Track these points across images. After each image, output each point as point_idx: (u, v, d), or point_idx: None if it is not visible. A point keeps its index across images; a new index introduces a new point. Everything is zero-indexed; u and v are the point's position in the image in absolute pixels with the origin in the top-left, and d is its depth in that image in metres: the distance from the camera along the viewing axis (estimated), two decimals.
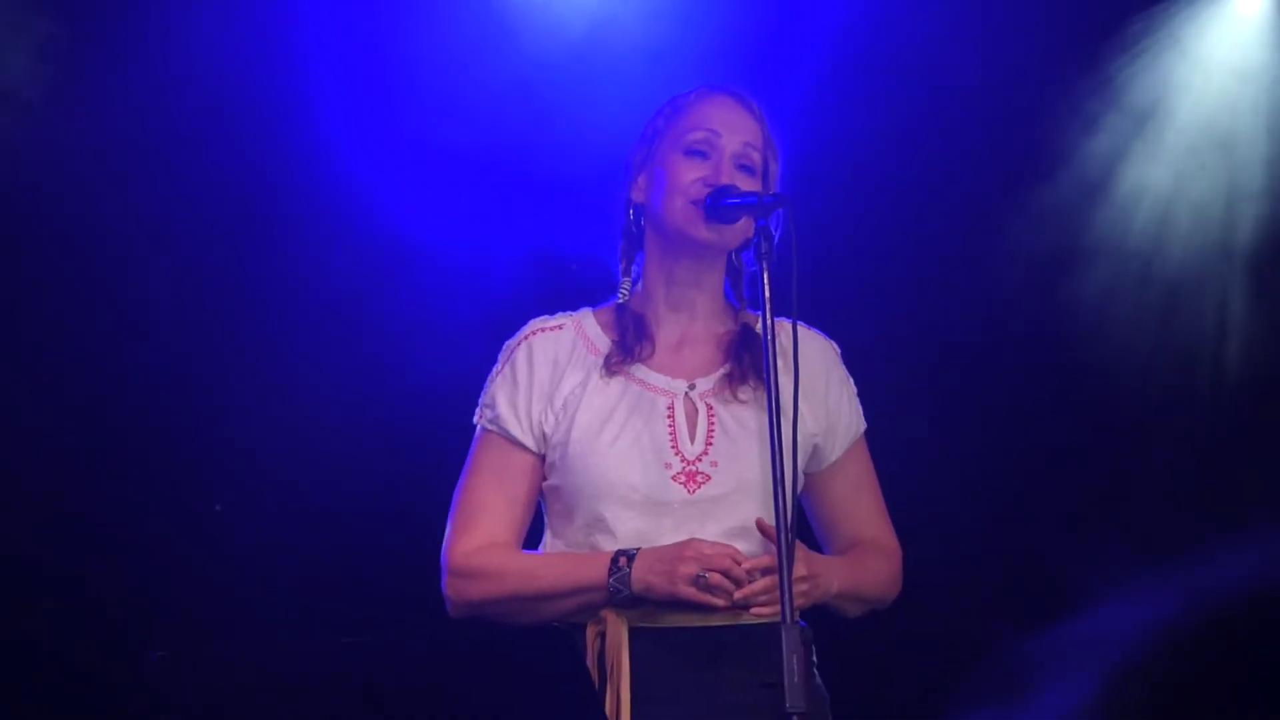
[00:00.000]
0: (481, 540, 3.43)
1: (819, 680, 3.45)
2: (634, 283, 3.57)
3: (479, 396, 3.56)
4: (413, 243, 4.99)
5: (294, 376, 4.98)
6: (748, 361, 3.48)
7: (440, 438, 4.38)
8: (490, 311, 4.71)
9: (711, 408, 3.45)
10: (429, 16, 4.98)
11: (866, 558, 3.54)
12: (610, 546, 3.36)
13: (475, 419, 3.53)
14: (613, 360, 3.48)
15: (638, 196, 3.55)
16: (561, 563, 3.39)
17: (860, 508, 3.59)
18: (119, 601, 4.80)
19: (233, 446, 4.94)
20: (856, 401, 3.62)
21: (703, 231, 3.43)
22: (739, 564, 3.28)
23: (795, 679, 3.01)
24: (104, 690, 4.66)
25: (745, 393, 3.46)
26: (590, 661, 3.33)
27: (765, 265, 3.27)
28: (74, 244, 4.89)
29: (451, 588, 3.44)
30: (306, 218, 5.01)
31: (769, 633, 3.10)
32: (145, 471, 4.91)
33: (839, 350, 3.63)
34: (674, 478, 3.39)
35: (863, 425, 3.61)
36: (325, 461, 4.94)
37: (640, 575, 3.29)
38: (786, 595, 3.08)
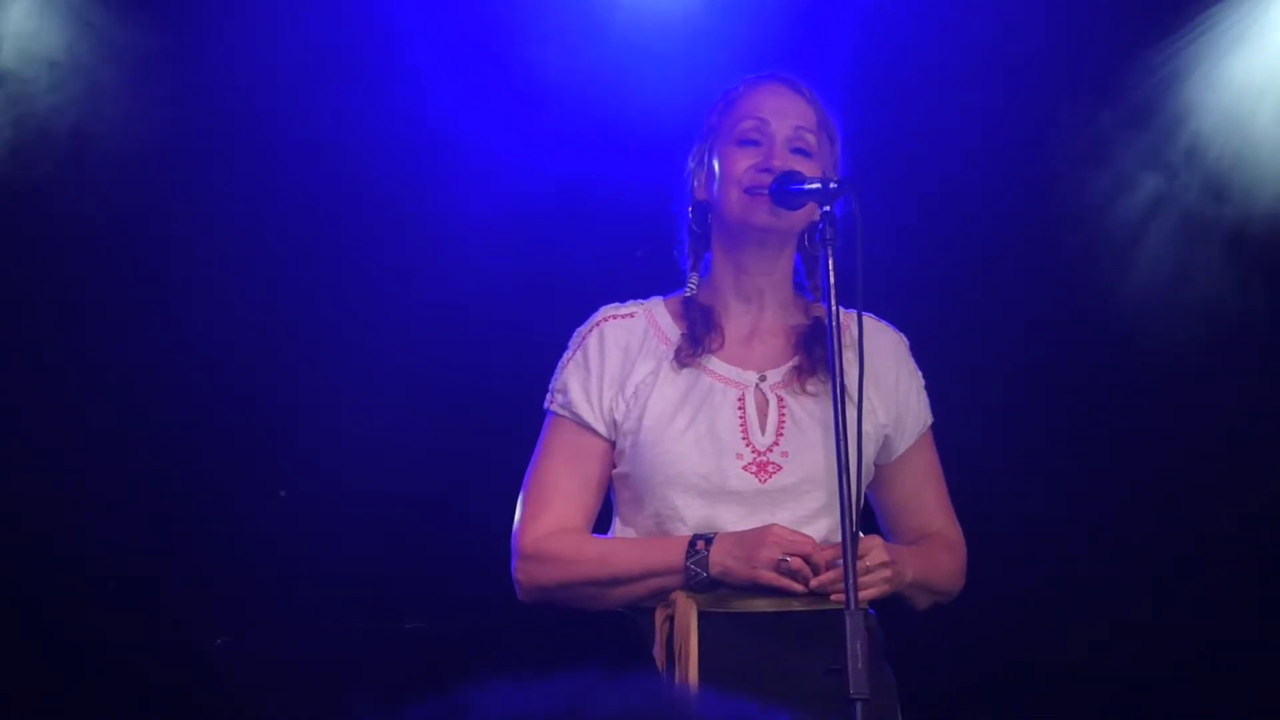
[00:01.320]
0: (553, 524, 3.43)
1: (888, 668, 3.44)
2: (701, 276, 3.56)
3: (547, 382, 3.56)
4: (482, 228, 4.99)
5: (358, 364, 5.00)
6: (818, 354, 3.47)
7: (504, 423, 4.41)
8: (554, 298, 4.73)
9: (782, 399, 3.45)
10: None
11: (935, 550, 3.54)
12: (681, 534, 3.36)
13: (546, 404, 3.53)
14: (683, 352, 3.48)
15: (700, 194, 3.55)
16: (635, 547, 3.40)
17: (927, 501, 3.59)
18: (184, 588, 4.84)
19: (297, 432, 4.97)
20: (925, 395, 3.61)
21: (762, 216, 3.42)
22: (819, 550, 3.27)
23: (859, 664, 3.00)
24: (170, 676, 4.69)
25: (814, 384, 3.46)
26: (658, 644, 3.33)
27: (830, 251, 3.26)
28: (133, 239, 4.93)
29: (523, 571, 3.43)
30: (373, 208, 5.02)
31: (836, 619, 3.09)
32: (211, 458, 4.94)
33: (908, 343, 3.62)
34: (745, 468, 3.39)
35: (930, 419, 3.61)
36: (389, 446, 4.96)
37: (719, 559, 3.29)
38: (851, 581, 3.08)
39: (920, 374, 3.62)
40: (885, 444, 3.54)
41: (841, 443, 3.16)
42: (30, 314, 4.88)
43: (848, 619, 3.05)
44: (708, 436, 3.40)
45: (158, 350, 4.92)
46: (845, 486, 3.13)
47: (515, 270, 4.98)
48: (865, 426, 3.33)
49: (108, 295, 4.93)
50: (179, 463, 4.92)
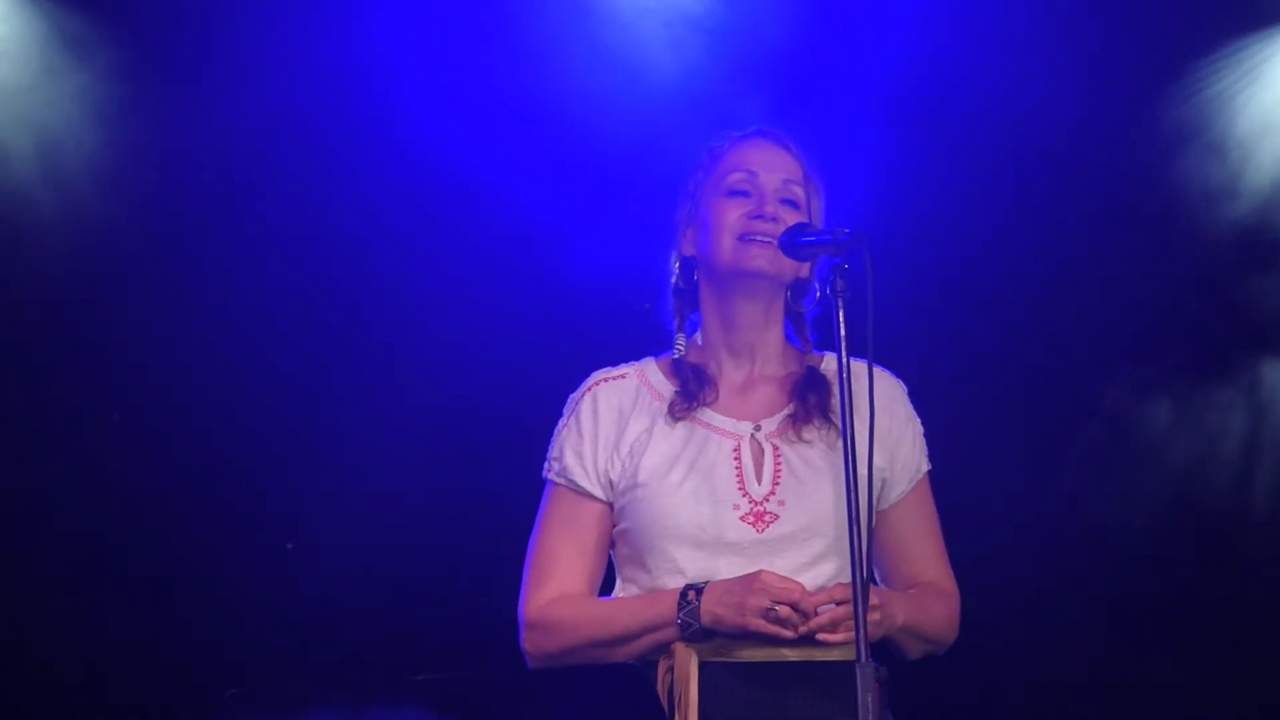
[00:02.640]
0: (555, 593, 3.46)
1: (890, 718, 3.44)
2: (688, 336, 3.58)
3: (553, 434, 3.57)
4: (489, 259, 5.01)
5: (367, 417, 5.00)
6: (813, 402, 3.48)
7: (514, 480, 4.41)
8: (569, 360, 4.74)
9: (777, 448, 3.46)
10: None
11: (928, 598, 3.53)
12: (680, 586, 3.37)
13: (544, 473, 3.56)
14: (677, 406, 3.49)
15: (688, 250, 3.57)
16: (631, 605, 3.41)
17: (922, 550, 3.58)
18: (194, 640, 4.83)
19: (304, 486, 4.97)
20: (922, 441, 3.61)
21: (757, 260, 3.44)
22: (807, 596, 3.27)
23: (870, 717, 3.00)
24: None
25: (810, 432, 3.47)
26: (660, 694, 3.34)
27: (841, 303, 3.24)
28: (151, 279, 4.94)
29: (529, 641, 3.46)
30: (394, 270, 5.04)
31: (840, 669, 3.11)
32: (218, 511, 4.94)
33: (905, 389, 3.62)
34: (742, 518, 3.40)
35: (926, 466, 3.60)
36: (397, 500, 4.96)
37: (709, 608, 3.30)
38: (862, 634, 3.08)
39: (918, 420, 3.62)
40: (882, 488, 3.53)
41: (853, 495, 3.15)
42: (23, 336, 4.88)
43: (859, 671, 3.04)
44: (704, 488, 3.41)
45: (158, 405, 4.93)
46: (856, 538, 3.13)
47: (539, 331, 4.98)
48: (862, 469, 3.31)
49: (110, 348, 4.94)
50: (188, 516, 4.92)
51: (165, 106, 4.87)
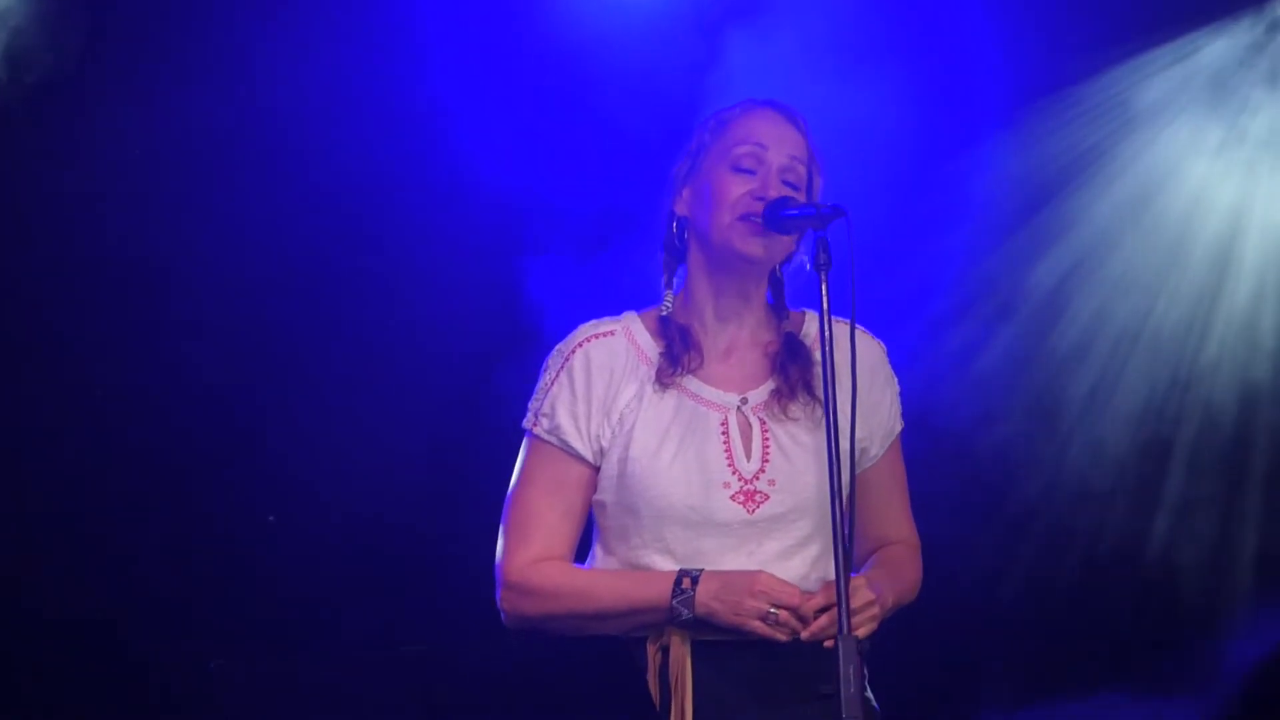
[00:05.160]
0: (537, 554, 3.41)
1: (870, 696, 3.45)
2: (676, 293, 3.56)
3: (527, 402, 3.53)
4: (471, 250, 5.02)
5: (347, 390, 5.00)
6: (795, 374, 3.47)
7: (493, 440, 4.41)
8: (531, 315, 4.75)
9: (765, 424, 3.45)
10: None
11: (902, 565, 3.55)
12: (668, 565, 3.36)
13: (527, 425, 3.49)
14: (665, 373, 3.46)
15: (681, 210, 3.53)
16: (620, 581, 3.38)
17: (891, 508, 3.59)
18: (177, 612, 4.83)
19: (285, 459, 4.97)
20: (898, 402, 3.61)
21: (752, 246, 3.42)
22: (805, 601, 3.28)
23: (851, 689, 3.02)
24: (163, 699, 4.69)
25: (796, 409, 3.45)
26: (651, 676, 3.33)
27: (824, 276, 3.26)
28: (131, 260, 4.94)
29: (507, 602, 3.42)
30: (384, 247, 5.04)
31: (861, 645, 3.14)
32: (199, 484, 4.94)
33: (885, 349, 3.63)
34: (732, 497, 3.38)
35: (900, 425, 3.61)
36: (377, 472, 4.96)
37: (704, 600, 3.29)
38: (844, 605, 3.10)
39: (896, 380, 3.61)
40: (860, 456, 3.53)
41: (835, 468, 3.17)
42: (20, 331, 4.88)
43: (840, 643, 3.06)
44: (695, 466, 3.39)
45: (147, 373, 4.92)
46: (838, 514, 3.15)
47: (502, 297, 4.98)
48: (845, 445, 3.33)
49: (93, 327, 4.93)
50: (170, 488, 4.91)
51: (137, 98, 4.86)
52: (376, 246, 5.05)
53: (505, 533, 3.45)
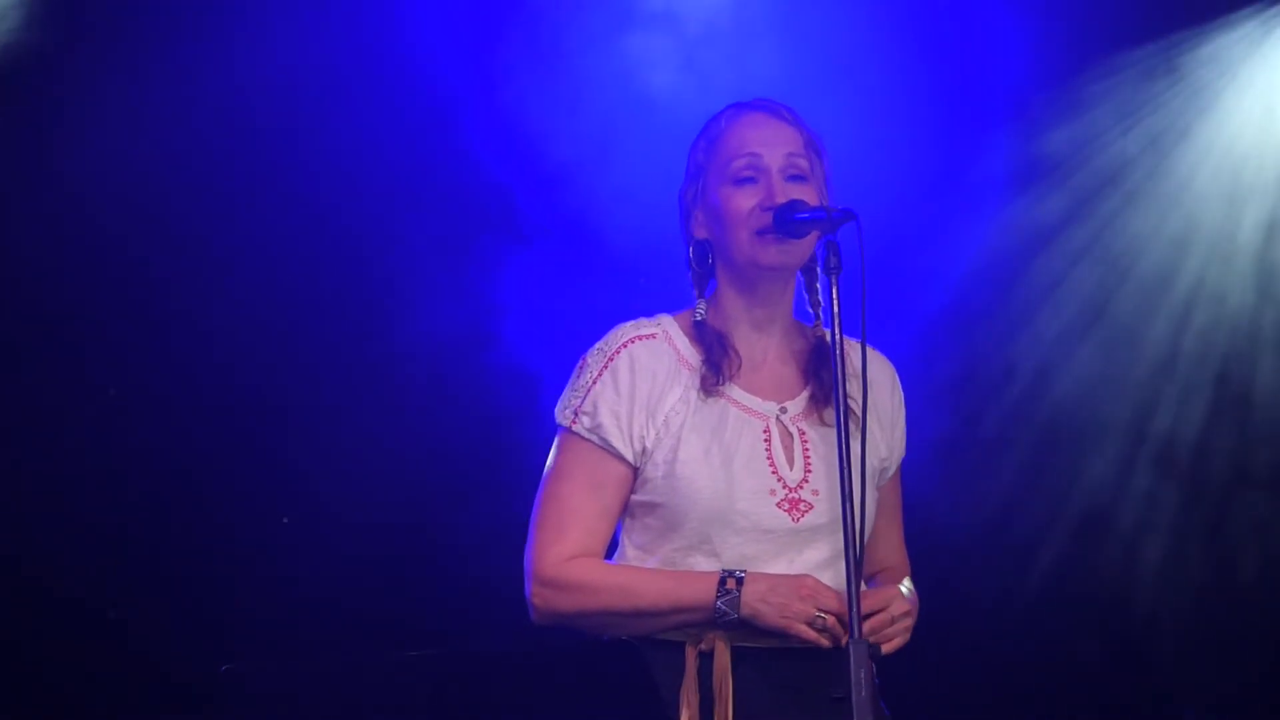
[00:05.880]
0: (574, 549, 3.38)
1: (883, 704, 3.44)
2: (708, 300, 3.55)
3: (549, 405, 3.52)
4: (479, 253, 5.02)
5: (362, 392, 5.00)
6: (827, 380, 3.46)
7: (507, 446, 4.41)
8: (546, 327, 4.75)
9: (804, 433, 3.45)
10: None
11: (909, 588, 3.55)
12: (711, 568, 3.36)
13: (565, 422, 3.45)
14: (708, 380, 3.44)
15: (700, 233, 3.52)
16: (662, 580, 3.36)
17: (891, 533, 3.62)
18: (189, 614, 4.84)
19: (301, 460, 4.97)
20: (905, 426, 3.63)
21: (773, 256, 3.42)
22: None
23: (863, 693, 3.02)
24: (175, 701, 4.69)
25: (831, 416, 3.42)
26: (688, 678, 3.32)
27: (834, 280, 3.26)
28: (140, 262, 4.94)
29: (540, 597, 3.38)
30: (380, 261, 5.04)
31: (873, 650, 3.16)
32: (215, 486, 4.94)
33: (897, 372, 3.63)
34: (778, 505, 3.38)
35: (904, 451, 3.63)
36: (392, 475, 4.96)
37: (750, 601, 3.29)
38: (855, 611, 3.11)
39: (904, 405, 3.62)
40: (881, 474, 3.55)
41: (845, 472, 3.18)
42: (25, 330, 4.89)
43: (852, 648, 3.06)
44: (745, 472, 3.38)
45: (159, 373, 4.93)
46: (849, 515, 3.15)
47: (518, 303, 4.98)
48: (871, 460, 3.40)
49: (106, 325, 4.94)
50: (182, 490, 4.92)
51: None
52: (370, 243, 5.05)
53: (539, 527, 3.42)
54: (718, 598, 3.29)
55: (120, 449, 4.91)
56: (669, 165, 3.61)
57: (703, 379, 3.45)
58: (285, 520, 4.98)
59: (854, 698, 3.02)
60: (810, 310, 3.57)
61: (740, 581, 3.30)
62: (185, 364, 4.94)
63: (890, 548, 3.61)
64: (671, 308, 3.55)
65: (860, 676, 3.03)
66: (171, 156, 4.91)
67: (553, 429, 3.49)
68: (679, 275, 3.55)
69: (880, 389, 3.53)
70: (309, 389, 5.00)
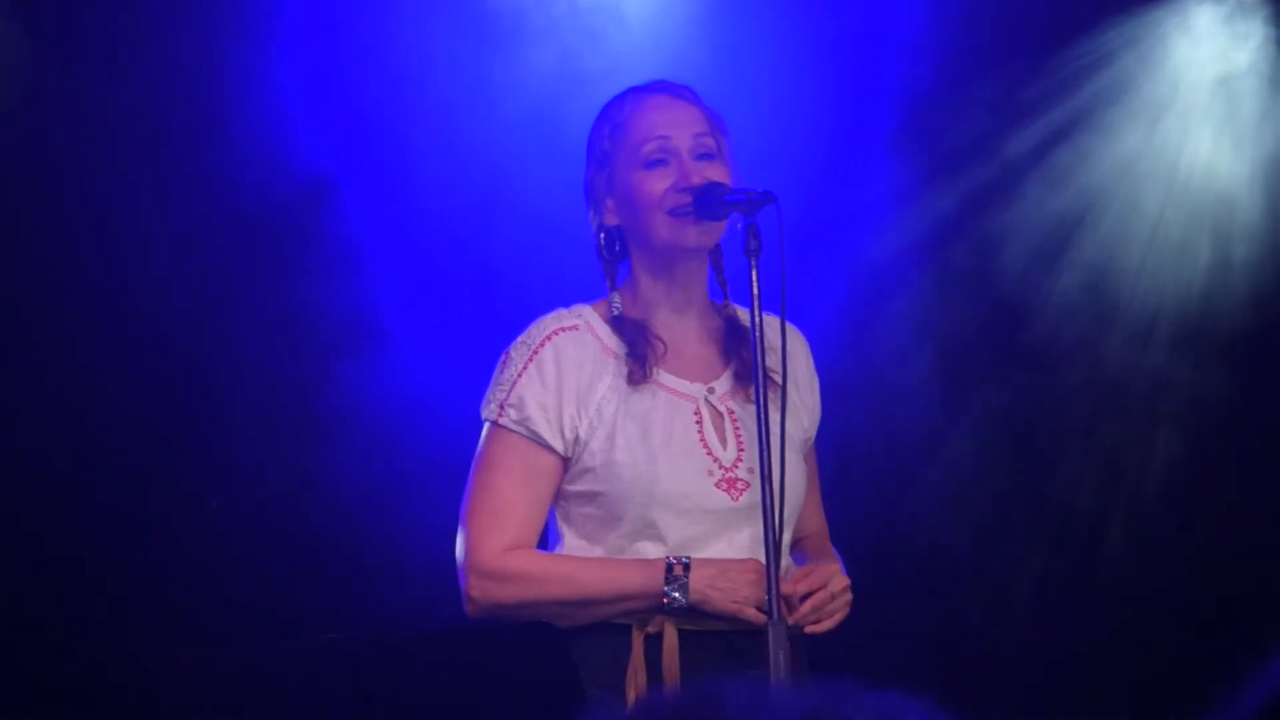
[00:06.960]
0: (511, 540, 3.39)
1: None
2: (620, 291, 3.56)
3: (483, 393, 3.52)
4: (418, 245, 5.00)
5: (289, 372, 4.98)
6: (746, 358, 3.50)
7: (437, 434, 4.40)
8: (483, 311, 4.75)
9: (733, 412, 3.49)
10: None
11: (832, 556, 3.62)
12: (658, 552, 3.38)
13: (492, 416, 3.47)
14: (635, 371, 3.47)
15: (610, 220, 3.54)
16: (605, 568, 3.39)
17: (812, 501, 3.66)
18: (114, 599, 4.81)
19: (228, 443, 4.94)
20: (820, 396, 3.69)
21: (693, 238, 3.45)
22: (793, 586, 3.34)
23: (781, 676, 3.03)
24: (98, 688, 4.67)
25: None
26: (635, 660, 3.34)
27: (754, 262, 3.32)
28: (77, 245, 4.90)
29: (479, 589, 3.38)
30: (310, 227, 5.00)
31: (794, 632, 3.23)
32: (141, 468, 4.91)
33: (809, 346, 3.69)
34: (717, 485, 3.42)
35: (819, 418, 3.67)
36: (321, 459, 4.94)
37: (699, 587, 3.32)
38: (775, 593, 3.15)
39: (817, 376, 3.68)
40: (803, 444, 3.60)
41: (765, 449, 3.23)
42: None
43: (770, 629, 3.09)
44: (682, 455, 3.42)
45: (93, 359, 4.89)
46: (769, 494, 3.21)
47: (455, 284, 4.97)
48: (795, 431, 3.46)
49: (41, 306, 4.90)
50: (106, 475, 4.88)
51: None
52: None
53: (472, 520, 3.43)
54: (665, 584, 3.32)
55: (27, 433, 4.87)
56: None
57: (630, 373, 3.47)
58: (214, 504, 4.96)
59: (772, 679, 3.04)
60: (721, 288, 3.61)
61: (687, 567, 3.33)
62: (118, 343, 4.90)
63: (810, 514, 3.65)
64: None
65: (779, 658, 3.05)
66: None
67: (474, 425, 3.52)
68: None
69: (796, 361, 3.58)
70: (241, 369, 4.98)
